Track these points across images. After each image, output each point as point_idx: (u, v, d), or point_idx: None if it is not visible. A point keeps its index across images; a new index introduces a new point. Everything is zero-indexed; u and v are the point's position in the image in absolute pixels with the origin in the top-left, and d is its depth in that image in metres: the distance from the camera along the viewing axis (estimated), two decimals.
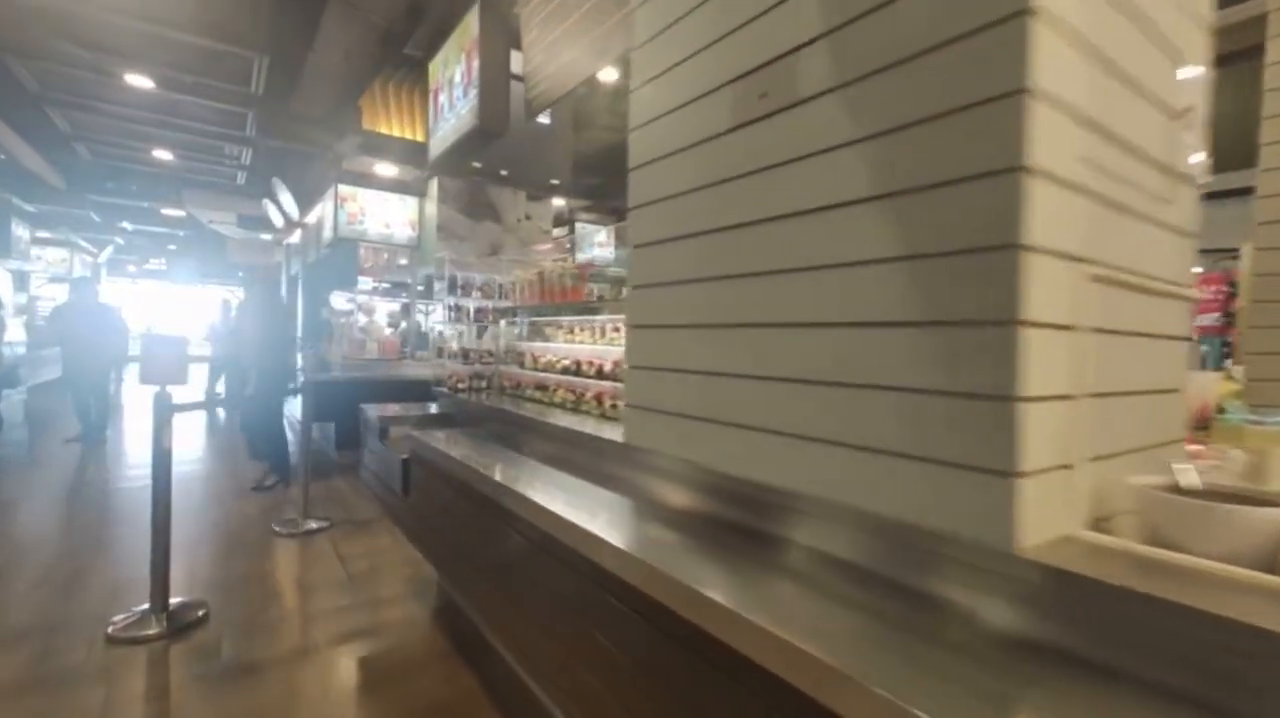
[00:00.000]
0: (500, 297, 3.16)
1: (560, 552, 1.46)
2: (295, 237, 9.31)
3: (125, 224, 13.29)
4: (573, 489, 1.71)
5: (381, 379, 5.54)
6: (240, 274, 17.10)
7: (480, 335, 7.03)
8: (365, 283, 9.68)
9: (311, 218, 7.70)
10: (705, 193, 1.38)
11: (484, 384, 3.09)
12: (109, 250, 14.51)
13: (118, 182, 10.30)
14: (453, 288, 3.03)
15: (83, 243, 12.41)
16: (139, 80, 5.98)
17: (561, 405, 2.48)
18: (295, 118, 5.36)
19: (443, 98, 2.95)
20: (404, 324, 8.02)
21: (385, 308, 9.47)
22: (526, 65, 2.28)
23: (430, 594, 2.97)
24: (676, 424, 1.46)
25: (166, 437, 2.53)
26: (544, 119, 3.24)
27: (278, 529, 3.81)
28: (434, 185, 6.29)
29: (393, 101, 5.82)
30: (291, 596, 2.95)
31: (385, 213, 5.85)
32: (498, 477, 1.79)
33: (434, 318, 7.34)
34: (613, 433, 1.90)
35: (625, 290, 1.71)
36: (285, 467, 4.92)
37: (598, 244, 7.46)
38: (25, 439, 6.66)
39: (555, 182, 3.44)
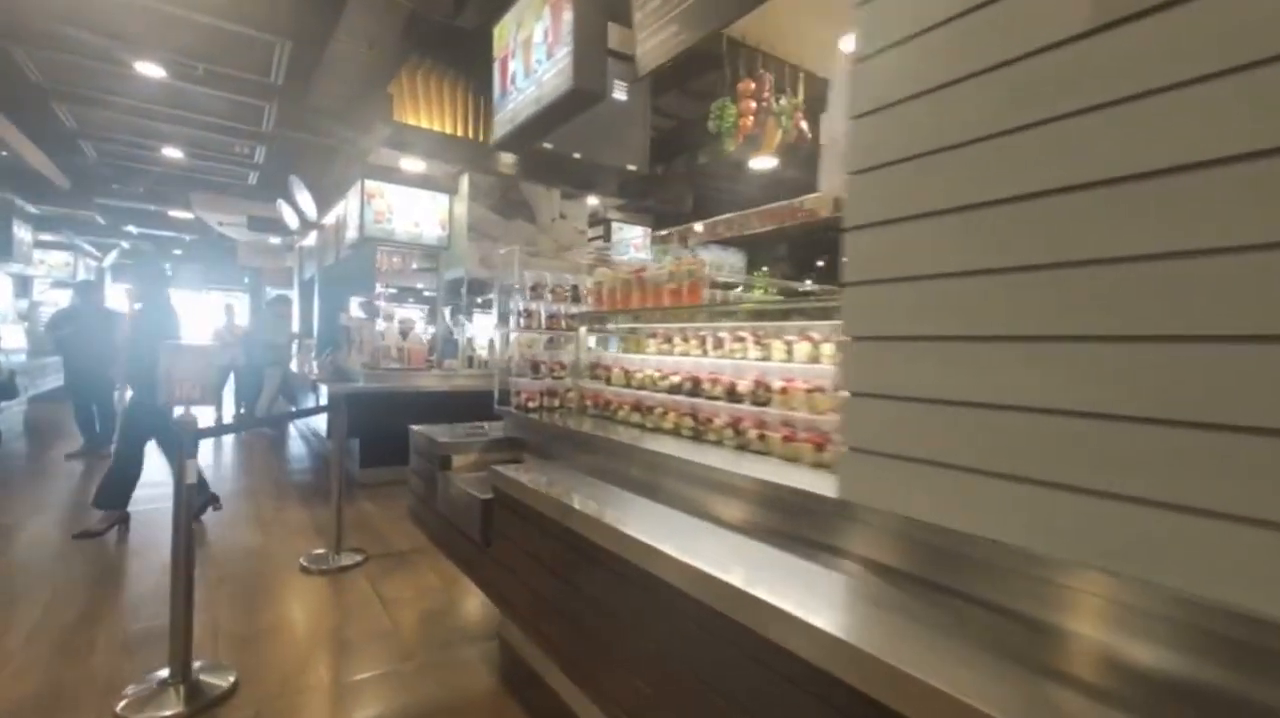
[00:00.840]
0: (575, 299, 2.70)
1: (759, 649, 1.01)
2: (310, 239, 8.89)
3: (130, 228, 12.90)
4: (760, 559, 1.25)
5: (411, 391, 5.09)
6: (245, 278, 16.71)
7: (507, 343, 6.52)
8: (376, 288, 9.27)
9: (330, 218, 7.27)
10: (1006, 140, 0.93)
11: (557, 403, 2.63)
12: (114, 254, 14.10)
13: (124, 183, 9.90)
14: (524, 291, 2.57)
15: (86, 246, 12.00)
16: (150, 69, 5.56)
17: (674, 432, 2.02)
18: (318, 110, 4.94)
19: (514, 65, 2.51)
20: (417, 330, 7.56)
21: (399, 313, 9.03)
22: (641, 8, 1.84)
23: (493, 652, 2.51)
24: (946, 479, 1.00)
25: (190, 472, 2.07)
26: (619, 95, 2.79)
27: (307, 565, 3.35)
28: (464, 182, 5.87)
29: (421, 91, 5.39)
30: (332, 656, 2.48)
31: (414, 211, 5.41)
32: (643, 538, 1.33)
33: (447, 322, 6.88)
34: (781, 474, 1.44)
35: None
36: (122, 497, 3.82)
37: (633, 246, 7.02)
38: (24, 453, 6.22)
39: (633, 167, 3.00)
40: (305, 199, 6.85)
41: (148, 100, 6.49)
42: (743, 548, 1.32)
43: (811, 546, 1.30)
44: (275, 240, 10.31)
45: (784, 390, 1.66)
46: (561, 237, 6.41)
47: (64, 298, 9.60)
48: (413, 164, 5.61)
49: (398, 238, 5.34)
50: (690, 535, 1.39)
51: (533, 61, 2.32)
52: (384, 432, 4.67)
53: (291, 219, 8.22)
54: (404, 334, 6.72)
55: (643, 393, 2.23)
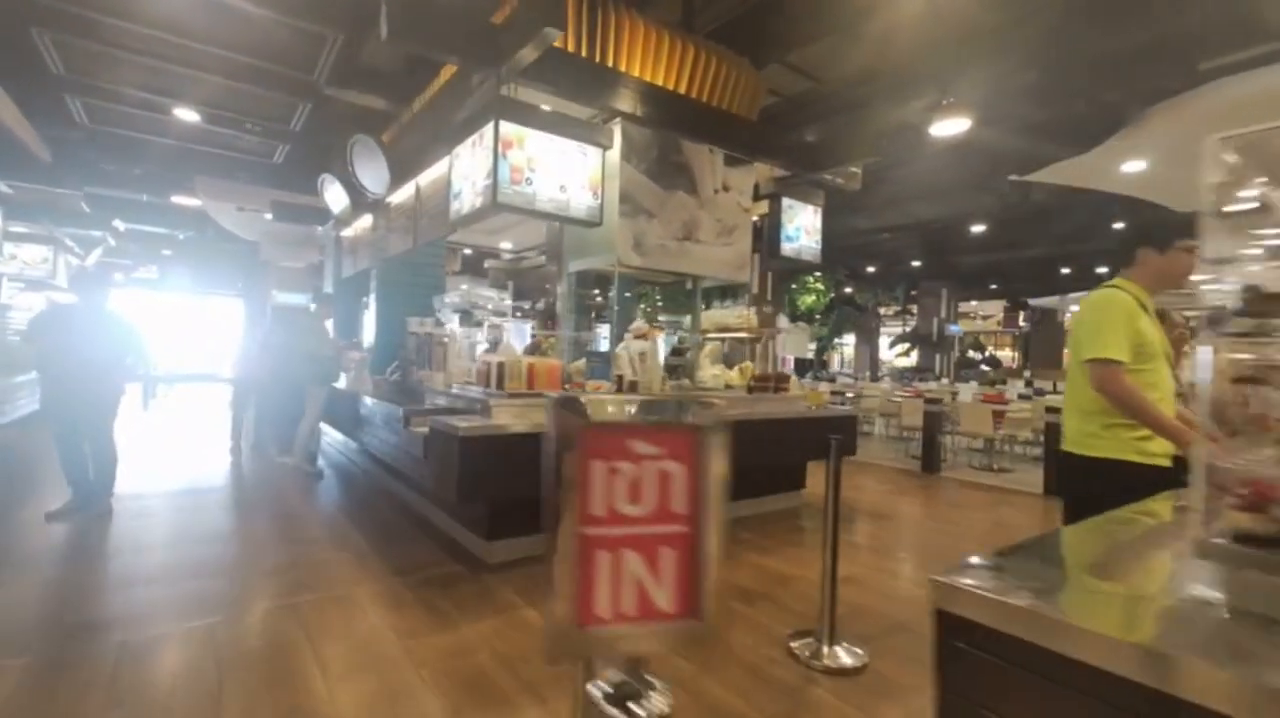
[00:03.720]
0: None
1: None
2: (357, 227, 7.20)
3: (117, 222, 11.03)
4: None
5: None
6: (238, 283, 14.80)
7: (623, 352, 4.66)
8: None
9: (402, 194, 5.61)
10: None
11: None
12: (98, 252, 12.19)
13: (118, 158, 8.13)
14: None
15: (68, 240, 10.14)
16: None
17: None
18: (441, 13, 3.32)
19: None
20: (507, 340, 5.91)
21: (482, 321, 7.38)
22: None
23: None
24: None
25: None
26: None
27: None
28: (617, 134, 4.27)
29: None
30: None
31: (563, 170, 3.79)
32: None
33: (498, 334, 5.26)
34: None
35: None
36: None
37: (805, 231, 5.47)
38: None
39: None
40: (375, 168, 5.19)
41: (162, 27, 4.81)
42: None
43: None
44: (321, 229, 8.56)
45: None
46: (725, 213, 4.85)
47: (40, 303, 7.74)
48: (551, 106, 4.00)
49: (539, 206, 3.71)
50: None
51: None
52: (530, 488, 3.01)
53: (337, 201, 6.54)
54: (492, 348, 5.09)
55: None
